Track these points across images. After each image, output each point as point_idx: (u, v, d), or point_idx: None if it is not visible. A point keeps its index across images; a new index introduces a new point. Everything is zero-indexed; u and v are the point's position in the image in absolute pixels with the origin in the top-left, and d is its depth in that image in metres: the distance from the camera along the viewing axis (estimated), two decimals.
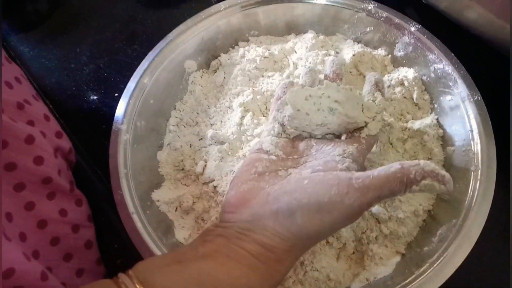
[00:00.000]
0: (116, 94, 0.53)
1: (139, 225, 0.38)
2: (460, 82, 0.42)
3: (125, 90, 0.44)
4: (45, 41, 0.60)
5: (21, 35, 0.61)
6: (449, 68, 0.42)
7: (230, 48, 0.51)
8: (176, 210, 0.43)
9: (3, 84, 0.39)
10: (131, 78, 0.45)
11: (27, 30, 0.62)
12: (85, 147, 0.49)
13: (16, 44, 0.60)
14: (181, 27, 0.47)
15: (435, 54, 0.43)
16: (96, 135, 0.49)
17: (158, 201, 0.42)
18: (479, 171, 0.38)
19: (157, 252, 0.37)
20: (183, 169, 0.45)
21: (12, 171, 0.34)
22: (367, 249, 0.39)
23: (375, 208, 0.40)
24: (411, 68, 0.46)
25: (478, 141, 0.39)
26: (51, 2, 0.65)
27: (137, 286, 0.26)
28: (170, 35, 0.47)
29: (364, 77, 0.47)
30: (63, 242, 0.38)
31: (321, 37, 0.50)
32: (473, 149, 0.39)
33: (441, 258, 0.35)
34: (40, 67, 0.57)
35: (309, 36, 0.49)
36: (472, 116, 0.40)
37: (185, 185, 0.45)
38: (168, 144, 0.46)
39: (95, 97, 0.53)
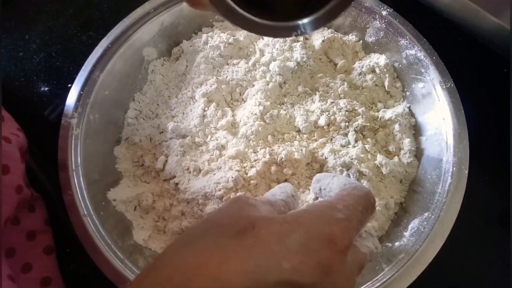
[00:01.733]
0: (69, 85, 0.48)
1: (90, 228, 0.35)
2: (432, 68, 0.40)
3: (76, 80, 0.41)
4: None
5: None
6: (421, 54, 0.40)
7: (193, 34, 0.47)
8: (135, 209, 0.40)
9: None
10: (83, 67, 0.41)
11: None
12: (36, 143, 0.45)
13: None
14: (138, 10, 0.43)
15: (407, 40, 0.41)
16: (47, 130, 0.45)
17: (114, 200, 0.39)
18: (452, 161, 0.36)
19: (111, 257, 0.34)
20: (142, 165, 0.42)
21: None
22: None
23: None
24: (383, 55, 0.44)
25: (451, 130, 0.38)
26: None
27: None
28: (127, 20, 0.43)
29: (335, 64, 0.45)
30: (19, 252, 0.35)
31: None
32: (445, 138, 0.38)
33: (413, 254, 0.33)
34: None
35: None
36: (444, 103, 0.39)
37: (145, 182, 0.42)
38: (126, 139, 0.43)
39: (46, 88, 0.49)
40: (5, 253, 0.34)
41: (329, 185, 0.30)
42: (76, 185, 0.36)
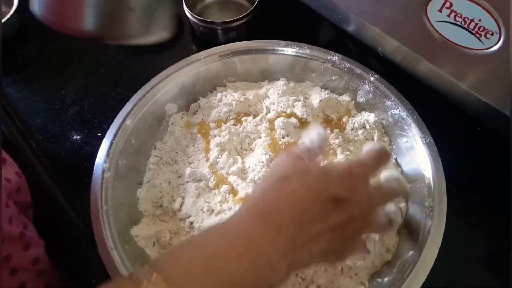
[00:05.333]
0: (99, 134, 0.55)
1: (117, 259, 0.39)
2: (414, 126, 0.47)
3: (109, 130, 0.47)
4: (33, 83, 0.63)
5: (9, 77, 0.64)
6: (404, 114, 0.47)
7: (209, 93, 0.55)
8: (153, 245, 0.45)
9: None
10: (115, 119, 0.48)
11: (16, 72, 0.65)
12: (67, 184, 0.51)
13: (4, 85, 0.63)
14: (164, 72, 0.51)
15: (392, 101, 0.49)
16: (77, 173, 0.51)
17: (136, 236, 0.44)
18: (432, 206, 0.42)
19: None
20: (161, 205, 0.47)
21: None
22: (334, 280, 0.42)
23: None
24: (372, 113, 0.51)
25: (431, 179, 0.43)
26: (39, 46, 0.69)
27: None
28: (154, 80, 0.51)
29: (331, 120, 0.51)
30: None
31: (292, 84, 0.55)
32: (426, 186, 0.43)
33: None
34: (27, 107, 0.60)
35: (281, 83, 0.53)
36: (425, 156, 0.45)
37: (163, 221, 0.47)
38: (147, 182, 0.49)
39: (78, 137, 0.56)
40: None
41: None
42: (105, 222, 0.42)
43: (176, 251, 0.33)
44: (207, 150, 0.50)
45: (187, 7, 0.64)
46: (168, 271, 0.28)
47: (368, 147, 0.38)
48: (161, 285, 0.26)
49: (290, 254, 0.31)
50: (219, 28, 0.63)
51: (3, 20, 0.64)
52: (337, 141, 0.49)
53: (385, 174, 0.43)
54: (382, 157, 0.37)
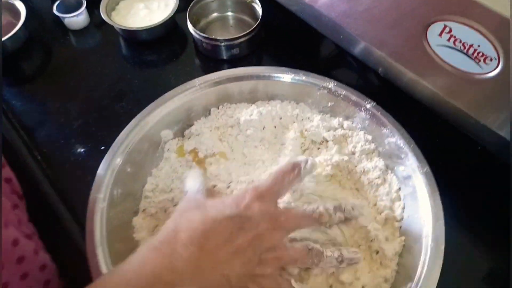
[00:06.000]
0: (103, 147, 0.56)
1: None
2: (410, 155, 0.46)
3: (103, 160, 0.47)
4: (37, 95, 0.65)
5: (14, 90, 0.66)
6: (400, 142, 0.47)
7: (202, 117, 0.54)
8: None
9: None
10: (110, 149, 0.47)
11: (20, 84, 0.67)
12: (70, 197, 0.53)
13: (9, 98, 0.64)
14: (159, 100, 0.51)
15: (388, 129, 0.48)
16: (81, 186, 0.51)
17: None
18: (429, 237, 0.42)
19: None
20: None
21: None
22: None
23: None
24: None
25: (429, 210, 0.43)
26: (44, 58, 0.70)
27: None
28: (148, 108, 0.50)
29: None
30: None
31: (289, 106, 0.54)
32: (423, 217, 0.43)
33: None
34: (31, 120, 0.61)
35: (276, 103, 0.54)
36: (422, 186, 0.45)
37: None
38: (143, 210, 0.48)
39: (82, 150, 0.57)
40: None
41: None
42: (101, 254, 0.42)
43: None
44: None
45: (190, 23, 0.65)
46: None
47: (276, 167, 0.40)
48: None
49: (197, 279, 0.31)
50: (222, 44, 0.64)
51: (11, 33, 0.66)
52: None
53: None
54: (281, 177, 0.38)
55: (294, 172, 0.39)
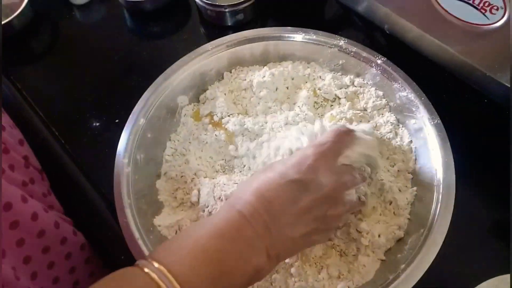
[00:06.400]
0: (117, 121, 0.57)
1: (144, 249, 0.42)
2: (421, 107, 0.48)
3: (126, 126, 0.49)
4: (50, 73, 0.66)
5: (26, 68, 0.67)
6: (411, 96, 0.48)
7: (216, 82, 0.56)
8: (176, 233, 0.47)
9: None
10: (130, 116, 0.49)
11: (32, 62, 0.68)
12: (90, 169, 0.54)
13: (22, 76, 0.65)
14: (173, 66, 0.52)
15: (399, 84, 0.49)
16: (100, 158, 0.53)
17: (159, 226, 0.46)
18: (441, 186, 0.44)
19: None
20: (178, 197, 0.49)
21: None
22: (353, 260, 0.44)
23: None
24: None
25: (440, 159, 0.45)
26: (52, 35, 0.71)
27: (155, 265, 0.30)
28: (164, 75, 0.52)
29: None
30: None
31: (300, 66, 0.55)
32: (435, 166, 0.45)
33: (411, 264, 0.40)
34: (46, 97, 0.62)
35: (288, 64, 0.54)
36: (433, 137, 0.46)
37: (183, 210, 0.49)
38: (165, 174, 0.50)
39: (97, 124, 0.58)
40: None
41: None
42: (130, 214, 0.44)
43: (171, 241, 0.36)
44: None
45: None
46: (163, 258, 0.31)
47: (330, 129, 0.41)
48: (159, 267, 0.30)
49: (267, 238, 0.34)
50: (226, 10, 0.64)
51: (18, 11, 0.66)
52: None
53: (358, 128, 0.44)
54: (341, 135, 0.39)
55: (351, 133, 0.40)
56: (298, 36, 0.53)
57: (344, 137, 0.40)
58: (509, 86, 0.46)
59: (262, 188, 0.35)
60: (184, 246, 0.32)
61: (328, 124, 0.45)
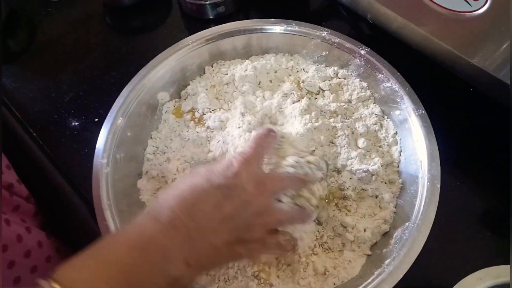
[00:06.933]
0: (96, 119, 0.56)
1: None
2: (406, 98, 0.47)
3: (104, 125, 0.47)
4: (26, 72, 0.64)
5: (3, 67, 0.64)
6: (396, 86, 0.48)
7: (197, 77, 0.54)
8: None
9: None
10: (108, 114, 0.48)
11: (9, 62, 0.65)
12: (69, 170, 0.53)
13: None
14: (152, 62, 0.51)
15: (383, 74, 0.48)
16: (79, 159, 0.52)
17: None
18: (426, 177, 0.43)
19: None
20: None
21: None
22: (339, 256, 0.43)
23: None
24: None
25: (424, 151, 0.44)
26: (28, 33, 0.69)
27: (53, 285, 0.28)
28: (143, 70, 0.50)
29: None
30: None
31: (283, 59, 0.54)
32: (420, 158, 0.44)
33: (396, 258, 0.39)
34: (23, 97, 0.60)
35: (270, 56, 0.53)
36: (418, 128, 0.45)
37: None
38: (146, 172, 0.49)
39: (76, 123, 0.56)
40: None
41: None
42: (110, 216, 0.43)
43: (79, 256, 0.33)
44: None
45: None
46: (63, 276, 0.29)
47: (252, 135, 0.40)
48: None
49: (187, 245, 0.33)
50: (207, 3, 0.63)
51: None
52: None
53: (290, 161, 0.41)
54: (261, 139, 0.39)
55: (270, 134, 0.40)
56: (280, 28, 0.52)
57: (264, 139, 0.40)
58: (509, 85, 0.45)
59: (186, 192, 0.34)
60: (89, 263, 0.31)
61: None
